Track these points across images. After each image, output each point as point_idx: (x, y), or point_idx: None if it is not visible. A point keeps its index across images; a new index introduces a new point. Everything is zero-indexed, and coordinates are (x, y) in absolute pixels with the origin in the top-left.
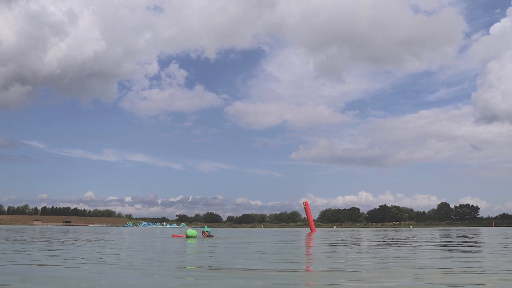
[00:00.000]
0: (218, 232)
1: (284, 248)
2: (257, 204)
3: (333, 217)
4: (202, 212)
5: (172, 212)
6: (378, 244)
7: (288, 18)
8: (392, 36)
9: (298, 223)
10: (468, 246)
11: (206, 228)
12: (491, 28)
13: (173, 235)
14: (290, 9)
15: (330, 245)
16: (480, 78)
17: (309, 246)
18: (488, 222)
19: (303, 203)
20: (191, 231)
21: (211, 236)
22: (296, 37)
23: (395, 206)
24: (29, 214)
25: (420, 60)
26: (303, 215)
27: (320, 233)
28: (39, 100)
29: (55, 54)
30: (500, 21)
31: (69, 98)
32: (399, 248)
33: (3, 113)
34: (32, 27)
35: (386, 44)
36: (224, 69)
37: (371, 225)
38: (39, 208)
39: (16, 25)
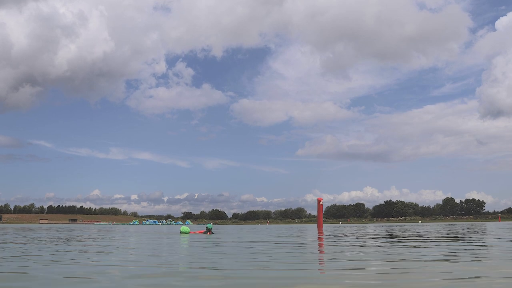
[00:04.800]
0: (224, 229)
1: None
2: (262, 201)
3: (339, 213)
4: (207, 209)
5: (178, 210)
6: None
7: (294, 16)
8: (397, 33)
9: (303, 219)
10: None
11: (209, 225)
12: (497, 22)
13: (190, 232)
14: (297, 7)
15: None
16: (485, 73)
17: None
18: (494, 216)
19: (318, 199)
20: (184, 227)
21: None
22: (302, 34)
23: (400, 201)
24: (35, 213)
25: (425, 56)
26: (308, 211)
27: (330, 229)
28: (48, 100)
29: (65, 56)
30: (506, 15)
31: (78, 98)
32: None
33: (13, 113)
34: (43, 29)
35: (392, 41)
36: (230, 67)
37: (376, 220)
38: (45, 206)
39: (27, 28)
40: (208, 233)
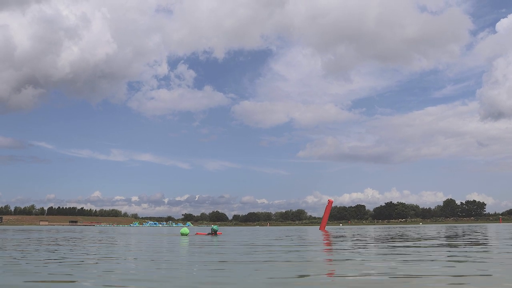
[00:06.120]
0: (226, 230)
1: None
2: (263, 203)
3: (339, 215)
4: (208, 211)
5: (178, 211)
6: None
7: (296, 18)
8: (398, 35)
9: (304, 221)
10: None
11: (215, 227)
12: (498, 24)
13: (197, 233)
14: (298, 9)
15: None
16: (486, 75)
17: None
18: (495, 218)
19: (329, 200)
20: (184, 229)
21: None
22: (304, 36)
23: (401, 203)
24: (36, 215)
25: (426, 58)
26: (309, 213)
27: (337, 231)
28: (50, 102)
29: (68, 58)
30: (507, 17)
31: (80, 100)
32: None
33: (15, 115)
34: (46, 32)
35: (393, 43)
36: (231, 68)
37: (377, 222)
38: (46, 208)
39: (30, 30)
40: (211, 234)
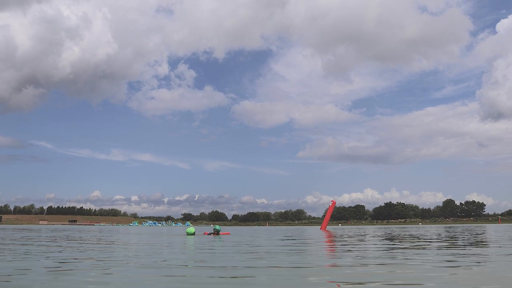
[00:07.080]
0: (226, 230)
1: None
2: (262, 203)
3: (339, 215)
4: (208, 210)
5: (178, 211)
6: None
7: (296, 18)
8: (398, 36)
9: (303, 221)
10: None
11: (217, 227)
12: (498, 25)
13: (205, 233)
14: (298, 10)
15: None
16: (486, 76)
17: None
18: (495, 218)
19: (331, 201)
20: (190, 229)
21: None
22: (304, 37)
23: (401, 203)
24: (35, 214)
25: (426, 59)
26: (308, 213)
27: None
28: (50, 102)
29: (69, 58)
30: (507, 18)
31: (80, 100)
32: None
33: (15, 114)
34: (47, 32)
35: (393, 43)
36: (232, 69)
37: (376, 222)
38: (45, 207)
39: (31, 30)
40: (213, 234)
